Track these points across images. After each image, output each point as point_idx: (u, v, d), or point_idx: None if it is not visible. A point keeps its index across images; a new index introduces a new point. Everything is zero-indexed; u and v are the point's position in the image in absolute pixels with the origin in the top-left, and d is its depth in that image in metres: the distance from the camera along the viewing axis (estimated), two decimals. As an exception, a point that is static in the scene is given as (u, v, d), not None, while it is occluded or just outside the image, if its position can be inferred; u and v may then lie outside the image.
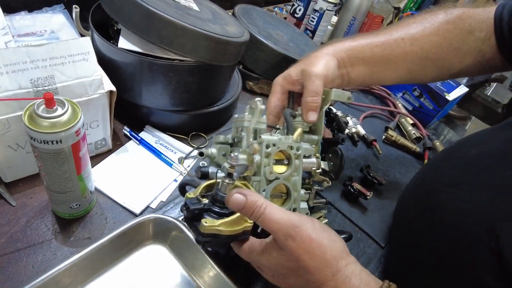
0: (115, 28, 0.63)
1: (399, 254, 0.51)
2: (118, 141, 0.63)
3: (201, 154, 0.46)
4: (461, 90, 0.97)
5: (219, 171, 0.44)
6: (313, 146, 0.51)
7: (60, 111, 0.39)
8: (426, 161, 0.82)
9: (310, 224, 0.34)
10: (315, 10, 1.04)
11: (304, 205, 0.48)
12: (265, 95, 0.87)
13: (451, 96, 0.92)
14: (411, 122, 0.92)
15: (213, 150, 0.47)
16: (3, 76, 0.43)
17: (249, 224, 0.39)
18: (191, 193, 0.42)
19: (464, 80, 1.11)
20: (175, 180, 0.59)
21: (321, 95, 0.49)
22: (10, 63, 0.43)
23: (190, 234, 0.46)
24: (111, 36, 0.64)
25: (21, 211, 0.49)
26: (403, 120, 0.92)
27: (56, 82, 0.47)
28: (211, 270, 0.45)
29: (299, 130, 0.48)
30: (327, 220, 0.60)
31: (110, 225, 0.51)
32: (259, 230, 0.43)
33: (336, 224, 0.62)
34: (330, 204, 0.65)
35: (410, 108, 0.99)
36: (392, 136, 0.85)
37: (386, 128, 0.88)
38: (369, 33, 0.57)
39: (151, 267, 0.46)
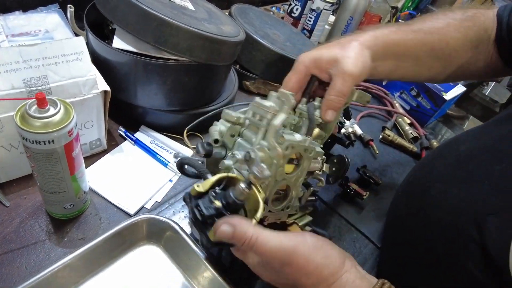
0: (110, 27, 0.63)
1: (392, 253, 0.52)
2: (113, 141, 0.63)
3: (207, 155, 0.41)
4: (459, 89, 0.97)
5: (232, 161, 0.40)
6: (318, 141, 0.49)
7: (52, 111, 0.39)
8: (422, 160, 0.82)
9: (304, 246, 0.33)
10: (312, 10, 1.04)
11: (296, 202, 0.47)
12: (261, 95, 0.87)
13: (449, 96, 0.92)
14: (409, 121, 0.92)
15: (222, 128, 0.42)
16: (-4, 76, 0.43)
17: None
18: (200, 186, 0.36)
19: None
20: (170, 180, 0.59)
21: (348, 96, 0.45)
22: (3, 63, 0.43)
23: (184, 235, 0.46)
24: (107, 36, 0.64)
25: (14, 211, 0.49)
26: (400, 119, 0.92)
27: (49, 82, 0.47)
28: (206, 271, 0.45)
29: (316, 131, 0.45)
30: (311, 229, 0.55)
31: (104, 226, 0.51)
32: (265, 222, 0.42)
33: (332, 224, 0.62)
34: (326, 204, 0.64)
35: (407, 107, 0.99)
36: (389, 136, 0.85)
37: (383, 128, 0.88)
38: (401, 24, 0.53)
39: (145, 267, 0.46)
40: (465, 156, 0.45)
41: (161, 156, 0.61)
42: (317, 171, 0.47)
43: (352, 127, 0.83)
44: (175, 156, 0.62)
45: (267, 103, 0.40)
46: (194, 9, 0.63)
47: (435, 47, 0.51)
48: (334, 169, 0.50)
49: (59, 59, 0.47)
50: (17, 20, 0.60)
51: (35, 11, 0.64)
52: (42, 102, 0.38)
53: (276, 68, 0.83)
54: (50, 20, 0.63)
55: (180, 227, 0.46)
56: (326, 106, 0.45)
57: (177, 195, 0.58)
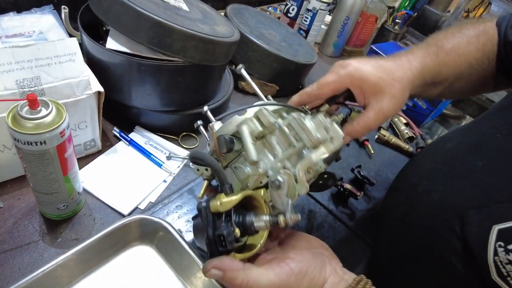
0: (105, 28, 0.63)
1: (384, 251, 0.52)
2: (107, 142, 0.63)
3: (227, 152, 0.39)
4: (454, 89, 0.97)
5: (251, 171, 0.38)
6: None
7: (44, 112, 0.39)
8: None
9: (290, 278, 0.35)
10: (308, 10, 1.04)
11: None
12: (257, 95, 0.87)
13: (444, 96, 0.92)
14: (404, 121, 0.92)
15: (253, 128, 0.38)
16: (-12, 77, 0.43)
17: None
18: (221, 205, 0.35)
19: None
20: (164, 181, 0.59)
21: None
22: (-5, 64, 0.43)
23: (177, 235, 0.46)
24: (101, 37, 0.64)
25: (8, 212, 0.49)
26: (396, 119, 0.92)
27: (42, 83, 0.47)
28: (199, 271, 0.45)
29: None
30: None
31: (98, 226, 0.51)
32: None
33: (326, 224, 0.62)
34: (320, 204, 0.65)
35: (403, 107, 0.99)
36: (384, 136, 0.85)
37: (379, 128, 0.88)
38: (437, 46, 0.50)
39: (138, 268, 0.46)
40: (450, 153, 0.46)
41: (155, 157, 0.61)
42: None
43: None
44: (168, 157, 0.62)
45: (309, 124, 0.37)
46: (188, 10, 0.63)
47: (463, 70, 0.50)
48: (320, 182, 0.48)
49: (52, 60, 0.47)
50: (11, 21, 0.60)
51: (30, 12, 0.64)
52: (33, 103, 0.38)
53: (272, 68, 0.83)
54: (44, 21, 0.63)
55: (172, 227, 0.46)
56: (349, 132, 0.44)
57: (171, 195, 0.58)
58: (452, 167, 0.43)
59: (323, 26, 1.13)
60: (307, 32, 1.08)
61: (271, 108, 0.41)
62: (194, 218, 0.39)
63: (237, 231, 0.36)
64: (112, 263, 0.46)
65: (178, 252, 0.46)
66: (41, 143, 0.39)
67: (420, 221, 0.43)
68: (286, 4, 1.08)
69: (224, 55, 0.63)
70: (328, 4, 1.03)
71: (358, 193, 0.63)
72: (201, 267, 0.44)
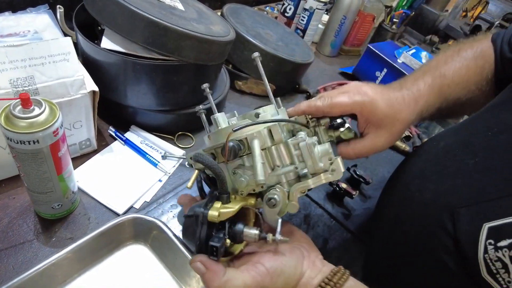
0: (100, 28, 0.63)
1: (378, 249, 0.52)
2: (103, 141, 0.63)
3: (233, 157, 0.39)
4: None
5: (248, 179, 0.39)
6: None
7: (37, 111, 0.39)
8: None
9: (266, 279, 0.36)
10: (305, 9, 1.04)
11: None
12: (254, 95, 0.87)
13: (441, 95, 0.92)
14: (401, 120, 0.92)
15: (265, 141, 0.38)
16: (-19, 77, 0.43)
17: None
18: (219, 216, 0.36)
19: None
20: (160, 180, 0.59)
21: None
22: (-12, 64, 0.43)
23: (171, 234, 0.46)
24: (97, 36, 0.64)
25: (3, 212, 0.49)
26: (393, 118, 0.92)
27: (36, 82, 0.47)
28: (192, 270, 0.45)
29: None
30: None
31: (93, 226, 0.51)
32: None
33: (322, 223, 0.62)
34: (316, 203, 0.65)
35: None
36: (381, 135, 0.85)
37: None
38: (436, 74, 0.51)
39: (132, 266, 0.46)
40: (443, 151, 0.46)
41: (150, 156, 0.62)
42: None
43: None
44: (163, 157, 0.62)
45: (316, 151, 0.38)
46: (183, 9, 0.63)
47: (461, 97, 0.52)
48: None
49: (45, 59, 0.47)
50: (6, 21, 0.60)
51: (25, 12, 0.64)
52: (26, 102, 0.38)
53: (268, 67, 0.83)
54: (39, 21, 0.63)
55: (166, 226, 0.46)
56: (341, 153, 0.46)
57: (166, 195, 0.58)
58: (444, 166, 0.43)
59: (320, 26, 1.13)
60: (304, 31, 1.08)
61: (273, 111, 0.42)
62: (186, 216, 0.39)
63: (228, 241, 0.37)
64: (106, 262, 0.46)
65: (172, 251, 0.46)
66: (34, 142, 0.39)
67: (413, 220, 0.44)
68: (283, 4, 1.08)
69: (220, 55, 0.63)
70: (325, 3, 1.03)
71: (354, 192, 0.63)
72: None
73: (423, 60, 0.98)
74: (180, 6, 0.64)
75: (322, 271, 0.38)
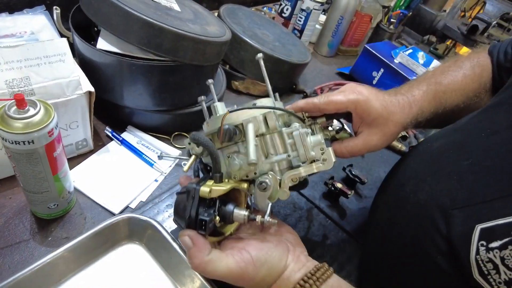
0: (96, 29, 0.64)
1: (372, 250, 0.52)
2: (100, 142, 0.64)
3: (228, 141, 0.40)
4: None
5: (242, 162, 0.40)
6: None
7: (32, 111, 0.40)
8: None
9: (249, 267, 0.37)
10: (302, 10, 1.04)
11: None
12: (250, 95, 0.88)
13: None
14: (398, 120, 0.92)
15: (260, 127, 0.40)
16: (-23, 78, 0.43)
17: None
18: (212, 192, 0.37)
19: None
20: (156, 180, 0.60)
21: None
22: (-16, 65, 0.43)
23: (165, 233, 0.46)
24: (93, 37, 0.65)
25: (-1, 211, 0.50)
26: (389, 118, 0.92)
27: (32, 83, 0.47)
28: (187, 269, 0.45)
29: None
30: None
31: (89, 225, 0.52)
32: None
33: (317, 223, 0.62)
34: (311, 202, 0.65)
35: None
36: (377, 135, 0.85)
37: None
38: (434, 83, 0.52)
39: (127, 266, 0.46)
40: (437, 152, 0.46)
41: (147, 156, 0.62)
42: None
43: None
44: (160, 157, 0.62)
45: (309, 140, 0.39)
46: (179, 10, 0.64)
47: (459, 103, 0.53)
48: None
49: (41, 60, 0.48)
50: (3, 22, 0.61)
51: (22, 13, 0.65)
52: (21, 103, 0.39)
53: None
54: (36, 22, 0.63)
55: (161, 226, 0.47)
56: (334, 151, 0.46)
57: (162, 194, 0.58)
58: (438, 167, 0.44)
59: (317, 26, 1.14)
60: (301, 32, 1.08)
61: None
62: (178, 193, 0.40)
63: (217, 219, 0.38)
64: (101, 261, 0.46)
65: (166, 251, 0.46)
66: (29, 143, 0.39)
67: (407, 221, 0.44)
68: (281, 4, 1.08)
69: (215, 55, 0.64)
70: (322, 4, 1.03)
71: (349, 192, 0.63)
72: (189, 264, 0.45)
73: (420, 60, 0.98)
74: (176, 7, 0.64)
75: (306, 266, 0.39)
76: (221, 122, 0.40)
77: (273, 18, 1.13)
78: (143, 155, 0.62)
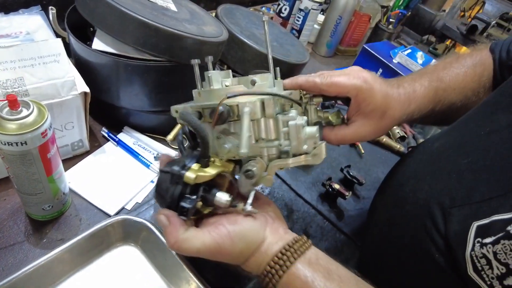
0: (92, 29, 0.63)
1: (371, 251, 0.52)
2: (96, 142, 0.63)
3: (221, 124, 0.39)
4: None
5: (231, 145, 0.39)
6: None
7: (25, 112, 0.39)
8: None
9: (226, 241, 0.36)
10: (300, 10, 1.04)
11: None
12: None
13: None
14: (396, 121, 0.92)
15: (255, 110, 0.37)
16: (-30, 78, 0.43)
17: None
18: (196, 178, 0.36)
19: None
20: (152, 181, 0.59)
21: None
22: (-23, 65, 0.43)
23: (160, 235, 0.46)
24: (89, 37, 0.64)
25: (-7, 213, 0.49)
26: (388, 119, 0.92)
27: (26, 84, 0.47)
28: (182, 271, 0.45)
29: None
30: None
31: (84, 227, 0.51)
32: None
33: (314, 224, 0.62)
34: (309, 203, 0.65)
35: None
36: (376, 135, 0.85)
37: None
38: (434, 78, 0.52)
39: (122, 268, 0.46)
40: (437, 152, 0.46)
41: (143, 157, 0.61)
42: None
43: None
44: (156, 158, 0.62)
45: (303, 133, 0.38)
46: (176, 10, 0.63)
47: (456, 102, 0.52)
48: None
49: (35, 61, 0.47)
50: (-2, 22, 0.60)
51: (17, 13, 0.64)
52: (13, 103, 0.38)
53: (263, 68, 0.82)
54: (32, 22, 0.63)
55: (156, 228, 0.46)
56: (324, 138, 0.47)
57: (158, 195, 0.58)
58: (438, 167, 0.43)
59: (316, 26, 1.13)
60: (299, 32, 1.08)
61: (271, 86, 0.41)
62: (162, 171, 0.38)
63: (200, 204, 0.37)
64: (96, 263, 0.46)
65: (161, 252, 0.46)
66: (22, 144, 0.39)
67: (406, 221, 0.43)
68: (279, 4, 1.08)
69: (212, 55, 0.63)
70: (320, 3, 1.03)
71: (347, 193, 0.63)
72: (185, 267, 0.44)
73: (419, 60, 0.98)
74: (172, 7, 0.64)
75: (284, 238, 0.39)
76: (217, 105, 0.37)
77: (272, 18, 1.12)
78: (140, 156, 0.62)
